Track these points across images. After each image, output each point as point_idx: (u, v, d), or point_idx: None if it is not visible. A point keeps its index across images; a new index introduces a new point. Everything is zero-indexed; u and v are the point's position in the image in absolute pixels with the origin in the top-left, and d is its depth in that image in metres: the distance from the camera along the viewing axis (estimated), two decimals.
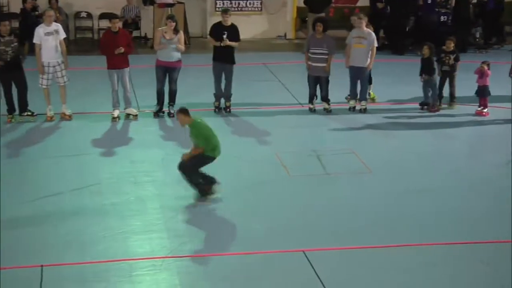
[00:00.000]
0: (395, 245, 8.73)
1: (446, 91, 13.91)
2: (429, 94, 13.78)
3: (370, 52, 13.36)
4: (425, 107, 13.81)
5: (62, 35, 12.69)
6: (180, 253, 8.44)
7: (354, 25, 13.71)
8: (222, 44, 13.00)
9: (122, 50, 12.50)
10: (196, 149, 9.56)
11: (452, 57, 13.69)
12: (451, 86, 13.88)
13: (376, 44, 13.49)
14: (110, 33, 12.77)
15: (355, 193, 10.21)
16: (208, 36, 13.54)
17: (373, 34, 13.54)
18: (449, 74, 13.76)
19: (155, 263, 8.19)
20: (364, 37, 13.40)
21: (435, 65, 13.71)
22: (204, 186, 9.66)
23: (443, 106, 13.92)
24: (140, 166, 10.84)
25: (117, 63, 12.62)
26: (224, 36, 13.01)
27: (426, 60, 13.72)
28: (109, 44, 12.59)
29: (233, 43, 13.12)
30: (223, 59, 13.17)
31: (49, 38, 12.47)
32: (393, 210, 9.67)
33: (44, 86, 12.66)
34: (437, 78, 13.75)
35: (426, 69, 13.69)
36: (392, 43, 18.68)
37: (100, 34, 19.06)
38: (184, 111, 9.54)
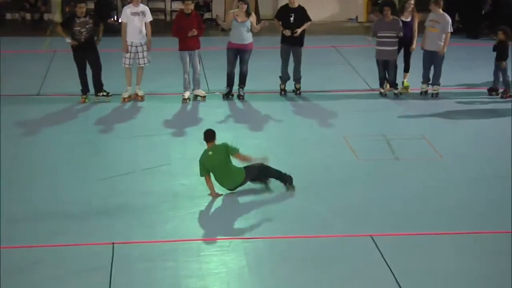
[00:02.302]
0: (465, 232, 8.60)
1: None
2: (500, 80, 13.46)
3: (444, 36, 13.12)
4: (493, 92, 13.50)
5: (149, 18, 12.84)
6: (247, 234, 8.51)
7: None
8: (286, 34, 12.93)
9: (195, 32, 12.62)
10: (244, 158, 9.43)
11: None
12: None
13: (450, 29, 13.19)
14: (183, 15, 12.88)
15: (425, 179, 10.08)
16: (275, 19, 13.51)
17: (448, 17, 13.25)
18: None
19: (223, 244, 8.28)
20: (437, 21, 13.16)
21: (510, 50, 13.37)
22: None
23: None
24: None
25: (189, 44, 12.74)
26: (291, 19, 12.96)
27: (500, 44, 13.36)
28: (182, 26, 12.71)
29: (304, 27, 13.05)
30: (292, 41, 13.13)
31: (135, 18, 12.67)
32: (463, 197, 9.52)
33: (126, 65, 12.88)
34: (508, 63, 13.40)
35: (498, 54, 13.35)
36: (467, 27, 18.26)
37: (173, 16, 19.31)
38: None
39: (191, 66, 12.90)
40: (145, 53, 12.87)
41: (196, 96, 13.14)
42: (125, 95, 12.98)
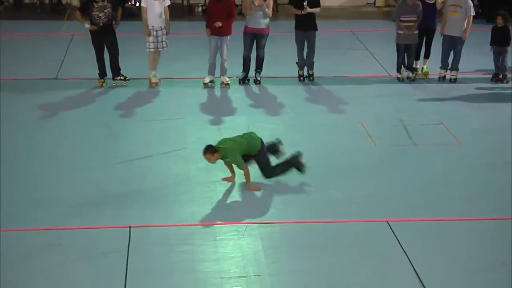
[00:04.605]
0: (482, 218, 8.57)
1: None
2: (499, 65, 13.40)
3: (466, 21, 13.02)
4: (494, 78, 13.45)
5: (167, 2, 12.82)
6: (263, 219, 8.52)
7: None
8: (303, 13, 12.88)
9: (219, 24, 12.52)
10: (246, 174, 9.12)
11: None
12: None
13: (472, 13, 13.09)
14: (214, 1, 12.78)
15: (442, 165, 10.03)
16: (289, 4, 13.40)
17: (470, 1, 13.14)
18: None
19: (239, 229, 8.29)
20: (459, 5, 13.05)
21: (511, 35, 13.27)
22: (294, 163, 9.48)
23: None
24: (226, 132, 10.92)
25: (217, 30, 12.66)
26: (305, 3, 12.89)
27: (500, 29, 13.26)
28: (212, 12, 12.64)
29: (314, 10, 12.99)
30: (305, 27, 13.07)
31: (155, 3, 12.65)
32: (481, 183, 9.48)
33: (152, 49, 12.83)
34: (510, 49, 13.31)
35: (497, 39, 13.24)
36: (486, 11, 18.08)
37: (190, 0, 19.28)
38: (209, 150, 9.02)
39: (218, 52, 12.85)
40: (164, 37, 12.86)
41: (222, 83, 13.09)
42: (155, 80, 12.97)
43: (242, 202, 8.96)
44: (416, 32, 13.12)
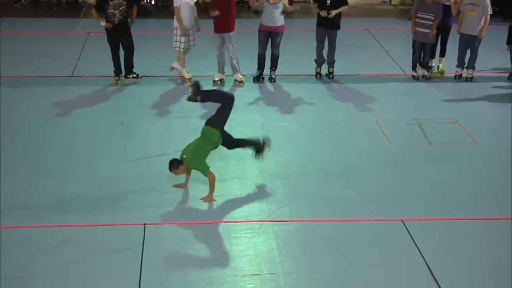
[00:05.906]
0: (497, 218, 8.53)
1: None
2: None
3: (483, 20, 12.95)
4: (511, 77, 13.37)
5: None
6: (277, 217, 8.52)
7: None
8: (329, 16, 12.80)
9: (217, 13, 12.53)
10: (211, 182, 8.87)
11: None
12: None
13: (490, 12, 13.01)
14: None
15: (458, 164, 9.99)
16: (311, 1, 13.39)
17: (487, 0, 13.06)
18: None
19: (253, 226, 8.30)
20: (476, 4, 12.97)
21: None
22: (256, 146, 9.51)
23: None
24: (241, 130, 10.91)
25: (218, 27, 12.70)
26: (328, 2, 12.85)
27: None
28: (215, 7, 12.66)
29: (339, 10, 12.93)
30: (328, 25, 13.03)
31: (188, 1, 12.70)
32: (497, 183, 9.42)
33: (182, 49, 12.87)
34: None
35: None
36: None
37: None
38: (173, 165, 8.93)
39: (225, 50, 12.87)
40: (193, 36, 12.94)
41: (235, 80, 13.10)
42: (188, 75, 13.03)
43: (256, 200, 8.96)
44: (434, 32, 13.03)
